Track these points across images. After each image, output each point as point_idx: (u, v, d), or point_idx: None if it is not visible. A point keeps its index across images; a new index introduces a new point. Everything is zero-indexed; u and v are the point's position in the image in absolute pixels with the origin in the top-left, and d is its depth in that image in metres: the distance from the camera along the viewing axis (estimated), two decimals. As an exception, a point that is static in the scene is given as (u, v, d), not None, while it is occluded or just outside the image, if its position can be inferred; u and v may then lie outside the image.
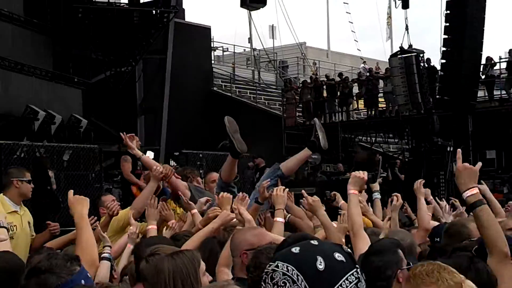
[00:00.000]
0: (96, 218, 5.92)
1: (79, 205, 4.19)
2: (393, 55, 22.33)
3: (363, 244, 4.36)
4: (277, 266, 1.95)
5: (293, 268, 1.93)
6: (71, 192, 4.40)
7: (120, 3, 22.84)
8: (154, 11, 22.77)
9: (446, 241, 4.73)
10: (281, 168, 7.41)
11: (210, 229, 5.17)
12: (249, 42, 36.62)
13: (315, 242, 2.05)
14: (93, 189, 15.34)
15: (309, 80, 27.26)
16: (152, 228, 5.82)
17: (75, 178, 15.15)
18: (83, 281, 2.89)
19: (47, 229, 6.47)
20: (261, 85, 33.14)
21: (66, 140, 18.49)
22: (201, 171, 17.20)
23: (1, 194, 6.75)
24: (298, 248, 2.00)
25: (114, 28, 21.80)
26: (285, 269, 1.94)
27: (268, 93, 32.15)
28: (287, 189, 5.89)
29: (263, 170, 16.90)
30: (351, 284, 1.93)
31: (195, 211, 6.28)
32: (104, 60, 22.64)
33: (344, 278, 1.93)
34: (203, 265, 3.35)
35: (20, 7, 20.53)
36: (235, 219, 5.03)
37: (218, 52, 36.16)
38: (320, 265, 1.94)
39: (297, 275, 1.92)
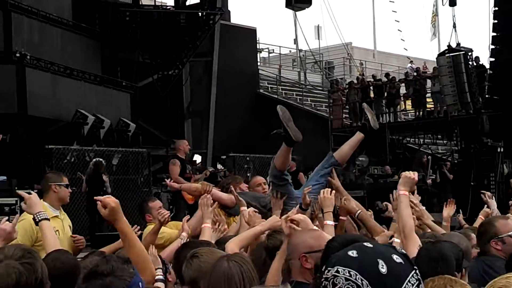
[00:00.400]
0: (139, 227, 5.90)
1: (118, 211, 3.78)
2: (441, 54, 22.03)
3: (414, 246, 4.30)
4: (337, 272, 1.91)
5: (356, 273, 1.89)
6: (99, 198, 3.92)
7: (167, 6, 23.00)
8: (200, 14, 22.88)
9: (478, 240, 4.77)
10: (335, 156, 7.36)
11: (257, 231, 5.12)
12: (294, 43, 36.54)
13: (369, 244, 2.01)
14: (141, 193, 15.47)
15: (355, 81, 27.08)
16: (206, 227, 5.75)
17: (124, 182, 15.30)
18: (140, 284, 2.83)
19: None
20: (307, 86, 33.04)
21: (115, 144, 18.68)
22: (248, 174, 17.25)
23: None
24: (355, 252, 1.96)
25: (161, 31, 21.97)
26: (347, 274, 1.89)
27: (315, 94, 32.04)
28: (334, 191, 5.81)
29: (296, 174, 16.84)
30: (413, 287, 1.90)
31: (244, 208, 6.22)
32: (151, 63, 22.83)
33: (406, 280, 1.89)
34: None
35: (69, 12, 20.82)
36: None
37: (264, 54, 36.20)
38: (383, 268, 1.90)
39: (361, 280, 1.88)
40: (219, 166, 18.45)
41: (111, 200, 3.69)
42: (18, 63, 17.74)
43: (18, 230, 5.84)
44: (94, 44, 21.90)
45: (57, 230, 6.49)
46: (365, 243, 2.02)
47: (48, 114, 19.41)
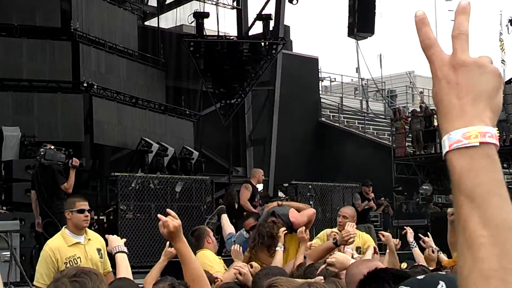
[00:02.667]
0: None
1: (179, 232, 3.83)
2: (507, 82, 21.71)
3: None
4: None
5: None
6: (162, 217, 3.93)
7: (230, 36, 23.27)
8: (262, 43, 23.09)
9: None
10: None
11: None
12: (356, 72, 36.50)
13: (443, 272, 2.06)
14: (204, 220, 15.57)
15: (418, 109, 26.87)
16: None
17: (187, 210, 15.44)
18: None
19: None
20: (370, 114, 32.91)
21: (178, 171, 18.91)
22: (311, 202, 17.22)
23: (63, 227, 6.88)
24: (423, 276, 2.02)
25: (224, 61, 22.25)
26: None
27: (377, 122, 31.88)
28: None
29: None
30: None
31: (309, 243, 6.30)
32: (214, 92, 23.10)
33: None
34: None
35: (135, 42, 21.28)
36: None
37: (325, 83, 36.25)
38: (442, 287, 1.94)
39: None
40: (281, 194, 18.46)
41: (171, 223, 3.77)
42: (86, 93, 18.20)
43: (39, 260, 6.15)
44: (159, 73, 22.31)
45: (78, 257, 6.54)
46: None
47: (114, 142, 19.82)
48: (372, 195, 16.89)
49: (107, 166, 20.48)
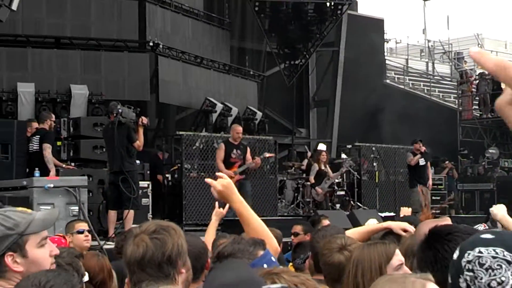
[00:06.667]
0: None
1: (232, 192, 3.74)
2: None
3: None
4: (480, 252, 1.97)
5: (503, 250, 1.95)
6: (209, 180, 3.86)
7: (295, -4, 23.12)
8: (328, 4, 22.85)
9: None
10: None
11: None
12: (423, 33, 35.88)
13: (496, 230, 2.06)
14: (267, 180, 15.68)
15: (486, 72, 26.29)
16: None
17: (251, 170, 15.54)
18: (265, 265, 2.86)
19: None
20: (435, 77, 32.37)
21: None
22: (375, 164, 17.14)
23: None
24: (489, 235, 2.02)
25: (289, 21, 22.14)
26: (493, 253, 1.95)
27: (443, 85, 31.36)
28: None
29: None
30: None
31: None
32: (279, 53, 23.05)
33: None
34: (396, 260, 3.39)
35: (201, 2, 21.33)
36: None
37: (391, 44, 35.73)
38: None
39: (510, 256, 1.93)
40: (343, 156, 18.37)
41: (219, 184, 3.68)
42: (152, 52, 18.37)
43: None
44: (223, 33, 22.33)
45: None
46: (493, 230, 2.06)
47: (179, 102, 20.01)
48: (424, 148, 16.64)
49: (172, 125, 20.73)
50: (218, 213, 5.99)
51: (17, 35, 17.23)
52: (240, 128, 13.97)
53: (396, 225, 4.64)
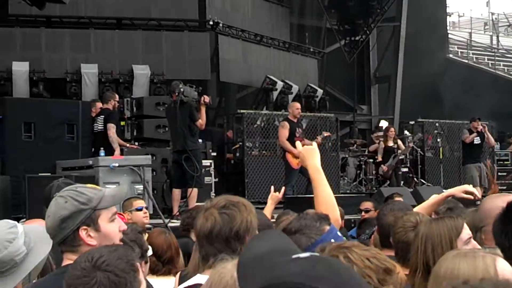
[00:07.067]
0: None
1: (311, 156, 3.77)
2: None
3: None
4: None
5: None
6: (299, 143, 4.07)
7: (354, -28, 22.84)
8: (388, -22, 22.51)
9: None
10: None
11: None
12: (486, 6, 35.08)
13: None
14: (329, 157, 15.62)
15: (553, 44, 25.62)
16: None
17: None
18: (332, 240, 2.87)
19: None
20: (500, 50, 31.65)
21: (303, 109, 18.91)
22: (438, 140, 16.89)
23: None
24: None
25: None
26: None
27: (508, 58, 30.64)
28: None
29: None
30: None
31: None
32: (339, 29, 22.84)
33: None
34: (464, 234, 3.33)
35: (259, -21, 21.26)
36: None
37: (453, 18, 35.05)
38: None
39: None
40: (406, 132, 18.16)
41: (296, 151, 3.76)
42: (212, 31, 18.40)
43: None
44: (283, 10, 22.22)
45: None
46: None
47: (239, 80, 20.04)
48: (481, 127, 16.15)
49: (232, 103, 20.78)
50: (273, 197, 6.00)
51: (80, 16, 17.46)
52: (299, 105, 13.78)
53: (457, 190, 4.55)
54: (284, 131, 12.89)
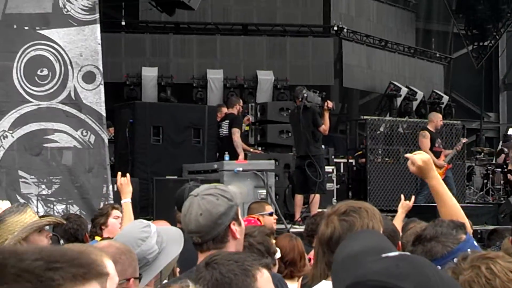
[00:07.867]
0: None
1: (432, 168, 3.62)
2: None
3: None
4: None
5: None
6: (408, 155, 3.76)
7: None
8: (520, -20, 21.74)
9: None
10: None
11: None
12: None
13: None
14: (455, 166, 15.18)
15: None
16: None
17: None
18: (469, 250, 2.77)
19: None
20: None
21: (427, 116, 18.55)
22: None
23: None
24: None
25: (477, 1, 21.32)
26: None
27: None
28: None
29: None
30: None
31: None
32: (467, 34, 22.26)
33: None
34: None
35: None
36: None
37: None
38: None
39: None
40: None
41: (418, 158, 3.55)
42: (336, 36, 18.36)
43: None
44: (409, 15, 21.91)
45: None
46: None
47: (363, 86, 19.90)
48: None
49: (355, 109, 20.65)
50: (404, 205, 5.95)
51: (207, 23, 17.84)
52: (441, 116, 13.84)
53: None
54: (426, 141, 12.76)
